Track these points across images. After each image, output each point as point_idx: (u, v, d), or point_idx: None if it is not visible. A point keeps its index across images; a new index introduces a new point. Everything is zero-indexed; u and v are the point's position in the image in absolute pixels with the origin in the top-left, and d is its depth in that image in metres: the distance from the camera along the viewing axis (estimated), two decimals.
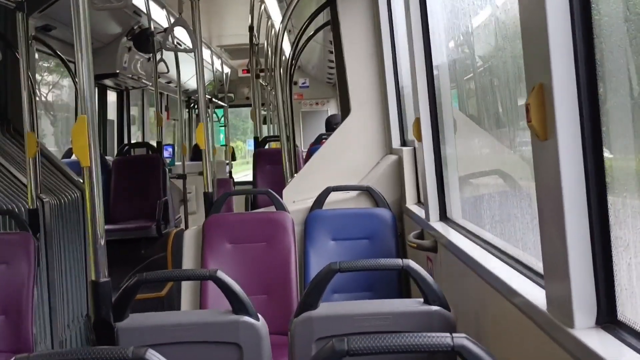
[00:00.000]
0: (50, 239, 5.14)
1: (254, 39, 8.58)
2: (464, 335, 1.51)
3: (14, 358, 1.49)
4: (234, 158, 12.47)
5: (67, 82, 8.69)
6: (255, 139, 9.34)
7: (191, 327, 2.42)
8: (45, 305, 5.03)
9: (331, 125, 9.55)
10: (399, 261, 2.47)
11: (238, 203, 9.32)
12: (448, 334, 1.50)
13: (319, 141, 8.44)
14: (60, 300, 5.30)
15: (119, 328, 2.43)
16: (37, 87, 6.53)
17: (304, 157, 8.34)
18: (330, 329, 2.34)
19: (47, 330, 5.05)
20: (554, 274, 1.73)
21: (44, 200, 5.13)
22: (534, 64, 1.70)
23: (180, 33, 8.85)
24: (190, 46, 4.95)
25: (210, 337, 2.43)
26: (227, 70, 13.41)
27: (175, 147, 11.69)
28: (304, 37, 6.74)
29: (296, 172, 5.76)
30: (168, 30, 6.15)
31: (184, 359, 2.37)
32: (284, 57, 7.23)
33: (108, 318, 2.44)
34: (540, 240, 1.80)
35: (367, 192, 4.31)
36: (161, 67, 8.16)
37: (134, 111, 10.67)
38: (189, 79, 10.69)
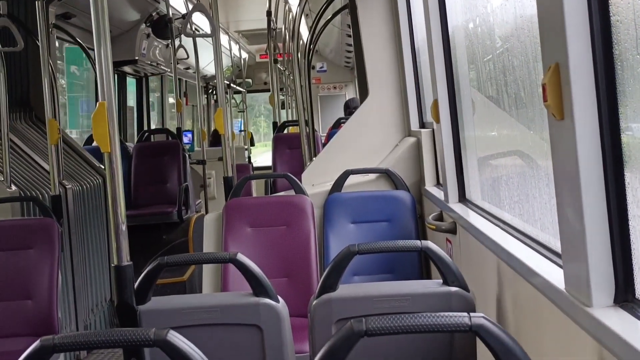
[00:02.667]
0: (73, 224, 5.21)
1: (271, 24, 8.58)
2: (481, 315, 1.52)
3: (39, 340, 1.52)
4: (252, 143, 12.49)
5: None
6: (274, 124, 9.36)
7: (212, 310, 2.45)
8: (70, 290, 5.11)
9: (350, 108, 9.55)
10: (417, 243, 2.48)
11: (258, 188, 9.37)
12: (466, 314, 1.51)
13: (337, 125, 8.44)
14: (84, 285, 5.38)
15: (141, 311, 2.47)
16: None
17: (323, 141, 8.35)
18: (349, 310, 2.36)
19: (72, 315, 5.13)
20: (571, 253, 1.74)
21: (66, 186, 5.19)
22: (550, 44, 1.70)
23: (199, 19, 8.86)
24: (208, 32, 4.96)
25: (231, 319, 2.46)
26: (245, 55, 13.41)
27: (195, 133, 11.74)
28: (322, 21, 6.73)
29: (315, 156, 5.78)
30: (187, 17, 6.16)
31: (205, 341, 2.40)
32: (301, 42, 7.22)
33: (130, 301, 2.47)
34: (558, 220, 1.80)
35: (386, 174, 4.32)
36: (180, 53, 8.18)
37: (153, 97, 10.73)
38: (207, 64, 10.72)
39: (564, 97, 1.64)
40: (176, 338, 1.55)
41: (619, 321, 1.55)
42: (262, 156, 15.02)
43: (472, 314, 1.51)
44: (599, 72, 1.60)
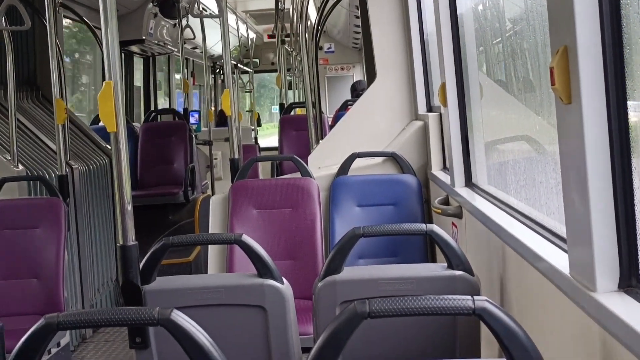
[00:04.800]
0: (79, 204, 5.22)
1: (279, 4, 8.54)
2: (485, 298, 1.52)
3: (44, 317, 1.53)
4: (259, 124, 12.49)
5: None
6: (281, 105, 9.34)
7: (217, 290, 2.46)
8: (76, 270, 5.13)
9: (357, 91, 9.52)
10: (422, 226, 2.48)
11: (264, 169, 9.37)
12: (469, 297, 1.51)
13: (344, 107, 8.41)
14: (90, 265, 5.40)
15: (146, 291, 2.48)
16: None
17: (330, 123, 8.34)
18: (353, 292, 2.36)
19: (78, 294, 5.15)
20: (576, 238, 1.73)
21: (73, 166, 5.20)
22: (559, 26, 1.68)
23: None
24: (216, 11, 4.95)
25: (235, 300, 2.47)
26: (252, 35, 13.36)
27: (201, 113, 11.73)
28: (330, 2, 6.69)
29: (322, 138, 5.76)
30: None
31: (209, 321, 2.41)
32: (309, 22, 7.19)
33: (136, 281, 2.48)
34: (564, 204, 1.80)
35: (393, 158, 4.31)
36: (187, 33, 8.16)
37: (160, 77, 10.71)
38: (214, 44, 10.69)
39: (572, 80, 1.63)
40: (180, 317, 1.55)
41: (622, 306, 1.54)
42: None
43: (475, 298, 1.51)
44: (607, 55, 1.59)
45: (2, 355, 1.55)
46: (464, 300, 1.50)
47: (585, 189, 1.63)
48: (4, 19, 4.66)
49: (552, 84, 1.67)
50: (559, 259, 1.90)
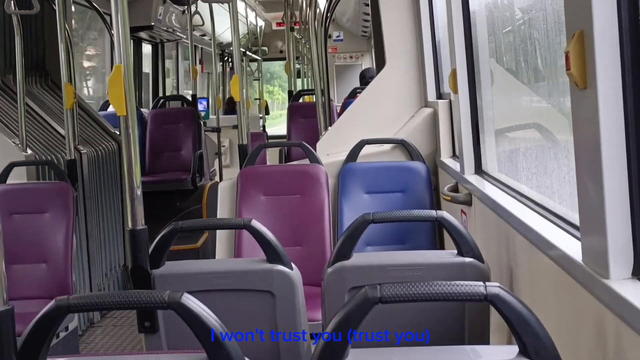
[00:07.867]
0: (88, 189, 5.23)
1: None
2: (497, 284, 1.51)
3: (54, 300, 1.53)
4: (267, 112, 12.47)
5: None
6: (290, 92, 9.32)
7: (226, 275, 2.46)
8: (84, 254, 5.14)
9: (365, 78, 9.49)
10: (433, 213, 2.47)
11: (272, 157, 9.36)
12: (481, 283, 1.50)
13: (353, 95, 8.38)
14: (98, 250, 5.41)
15: (155, 275, 2.47)
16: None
17: (338, 111, 8.31)
18: (363, 278, 2.35)
19: (86, 279, 5.17)
20: (590, 225, 1.72)
21: (81, 151, 5.20)
22: (575, 10, 1.66)
23: None
24: None
25: (244, 285, 2.46)
26: (261, 23, 13.33)
27: (210, 100, 11.73)
28: None
29: (330, 125, 5.74)
30: None
31: (218, 306, 2.40)
32: (318, 10, 7.16)
33: (145, 265, 2.47)
34: (577, 192, 1.78)
35: (402, 145, 4.29)
36: (195, 19, 8.13)
37: (168, 64, 10.70)
38: (223, 31, 10.66)
39: (588, 65, 1.61)
40: (190, 301, 1.55)
41: (636, 294, 1.53)
42: None
43: (487, 283, 1.50)
44: (624, 40, 1.57)
45: (12, 338, 1.55)
46: (476, 286, 1.49)
47: (599, 175, 1.61)
48: (13, 2, 4.65)
49: (567, 68, 1.66)
50: (571, 247, 1.89)
